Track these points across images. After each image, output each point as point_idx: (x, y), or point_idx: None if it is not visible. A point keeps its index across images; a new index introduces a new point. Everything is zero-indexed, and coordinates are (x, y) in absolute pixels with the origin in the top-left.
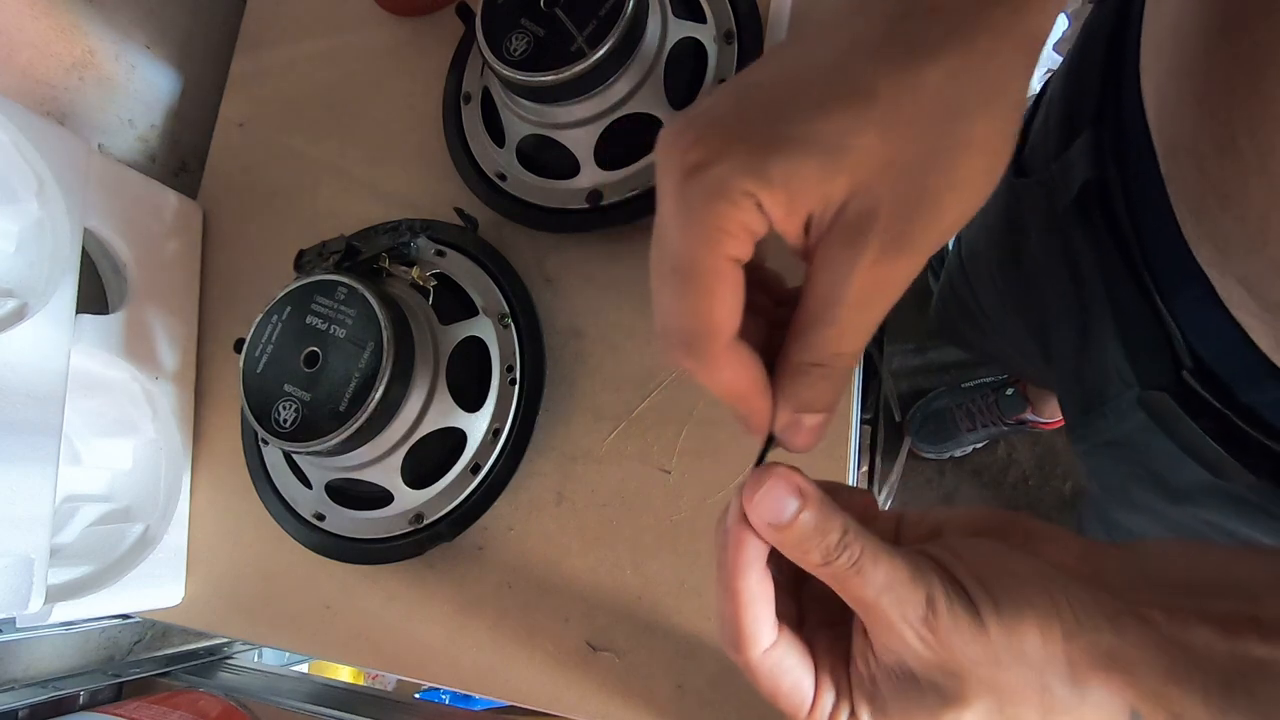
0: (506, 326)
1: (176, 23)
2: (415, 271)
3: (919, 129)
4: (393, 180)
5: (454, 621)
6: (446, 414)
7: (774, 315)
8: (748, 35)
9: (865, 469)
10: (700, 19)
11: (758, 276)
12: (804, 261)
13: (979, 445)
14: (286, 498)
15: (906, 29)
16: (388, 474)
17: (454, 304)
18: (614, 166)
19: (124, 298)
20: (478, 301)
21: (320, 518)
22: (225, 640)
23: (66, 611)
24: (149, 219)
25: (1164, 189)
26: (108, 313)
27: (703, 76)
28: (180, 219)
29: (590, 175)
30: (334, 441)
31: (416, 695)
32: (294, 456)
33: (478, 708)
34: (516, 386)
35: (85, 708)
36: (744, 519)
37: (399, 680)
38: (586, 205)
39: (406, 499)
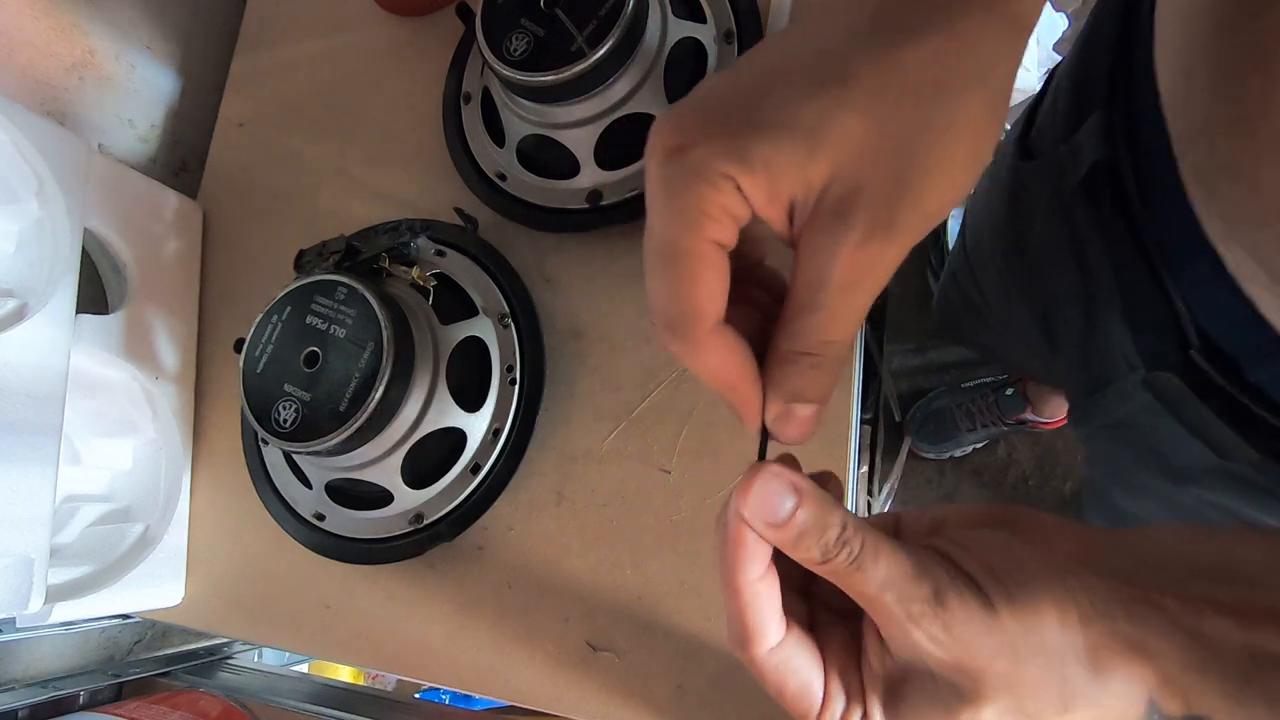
0: (506, 326)
1: (176, 23)
2: (415, 271)
3: (902, 111)
4: (393, 180)
5: (454, 621)
6: (446, 414)
7: (770, 311)
8: (748, 35)
9: (865, 469)
10: (700, 19)
11: (756, 274)
12: (791, 249)
13: (979, 445)
14: (286, 498)
15: (891, 13)
16: (388, 474)
17: (454, 304)
18: (614, 166)
19: (124, 298)
20: (478, 301)
21: (320, 518)
22: (225, 640)
23: (66, 611)
24: (149, 219)
25: (1174, 167)
26: (108, 313)
27: (703, 76)
28: (180, 219)
29: (590, 175)
30: (334, 441)
31: (416, 695)
32: (294, 456)
33: (478, 708)
34: (516, 386)
35: (85, 708)
36: (741, 516)
37: (399, 680)
38: (586, 205)
39: (406, 499)
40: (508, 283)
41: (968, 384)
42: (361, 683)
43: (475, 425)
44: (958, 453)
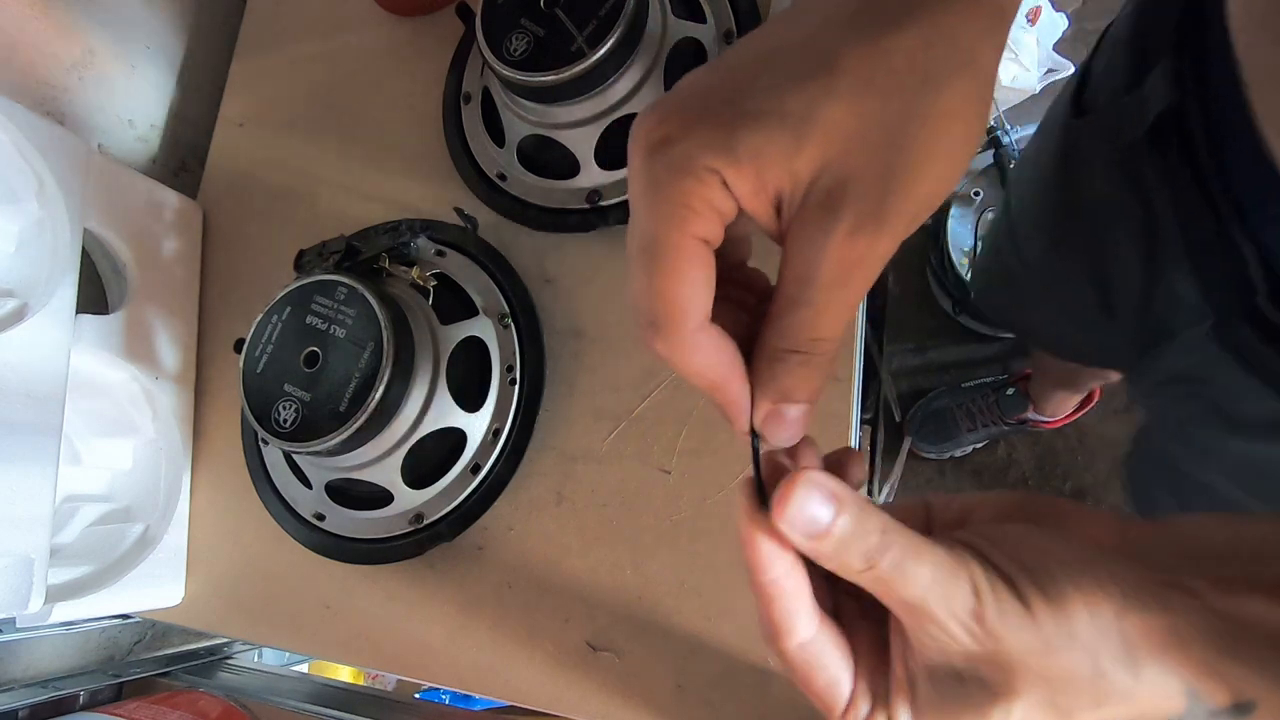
0: (506, 326)
1: (176, 23)
2: (415, 271)
3: (889, 100)
4: (393, 180)
5: (454, 621)
6: (446, 414)
7: (757, 311)
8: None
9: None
10: (700, 19)
11: (739, 275)
12: (779, 245)
13: (979, 445)
14: (286, 498)
15: (876, 4)
16: (388, 474)
17: (454, 304)
18: (614, 166)
19: (124, 298)
20: (478, 301)
21: (320, 518)
22: (225, 640)
23: (66, 611)
24: (149, 219)
25: (1246, 111)
26: (108, 313)
27: None
28: (180, 219)
29: (590, 175)
30: (334, 441)
31: (416, 695)
32: (294, 456)
33: (478, 708)
34: (516, 386)
35: (85, 708)
36: (753, 518)
37: (399, 680)
38: (586, 205)
39: (406, 499)
40: (508, 283)
41: (968, 384)
42: (361, 683)
43: (475, 425)
44: (958, 453)
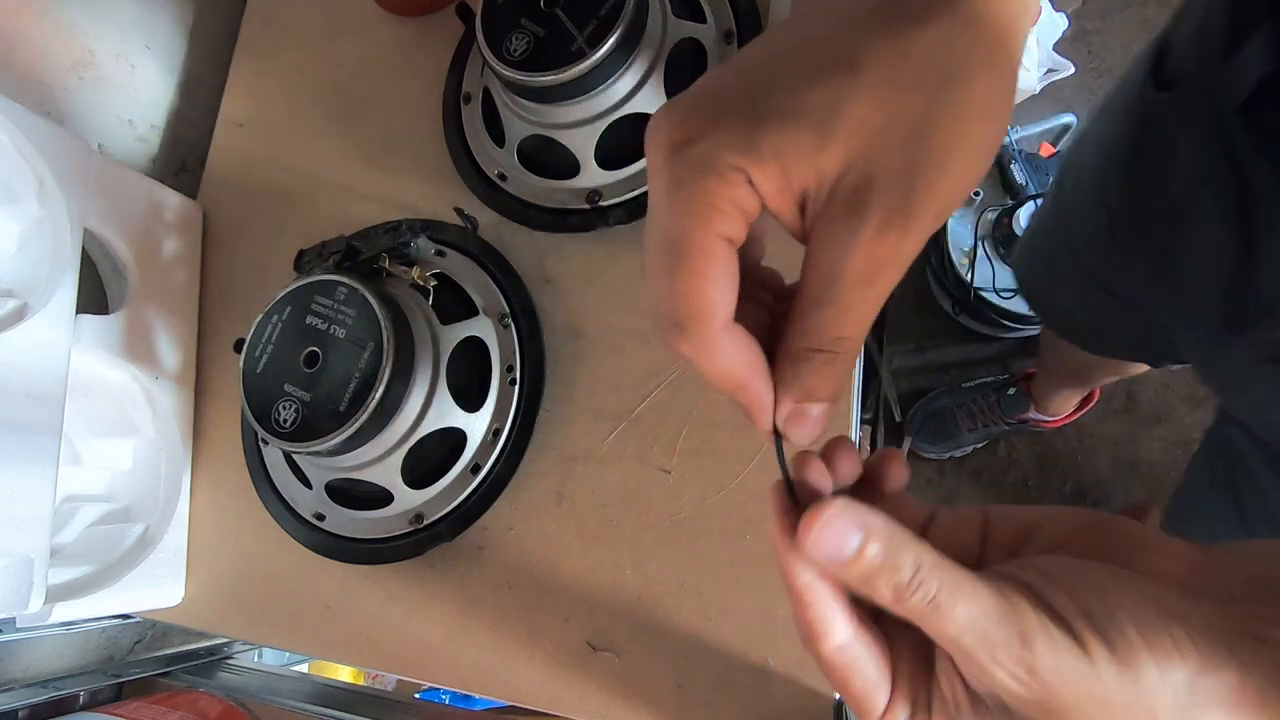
0: (506, 326)
1: (176, 23)
2: (415, 271)
3: (914, 94)
4: (393, 180)
5: (454, 621)
6: (446, 414)
7: (775, 309)
8: (747, 35)
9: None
10: (700, 19)
11: (756, 274)
12: (803, 244)
13: (979, 445)
14: (286, 498)
15: (895, 0)
16: (388, 474)
17: (454, 304)
18: (614, 167)
19: (124, 298)
20: (478, 301)
21: (320, 518)
22: (225, 640)
23: (66, 611)
24: (149, 219)
25: None
26: (108, 313)
27: None
28: (180, 219)
29: (590, 175)
30: (334, 441)
31: (416, 695)
32: (294, 456)
33: (478, 708)
34: (516, 386)
35: (85, 708)
36: (783, 526)
37: (399, 680)
38: (586, 205)
39: (406, 499)
40: (508, 283)
41: (968, 384)
42: (361, 683)
43: (475, 425)
44: (958, 453)
